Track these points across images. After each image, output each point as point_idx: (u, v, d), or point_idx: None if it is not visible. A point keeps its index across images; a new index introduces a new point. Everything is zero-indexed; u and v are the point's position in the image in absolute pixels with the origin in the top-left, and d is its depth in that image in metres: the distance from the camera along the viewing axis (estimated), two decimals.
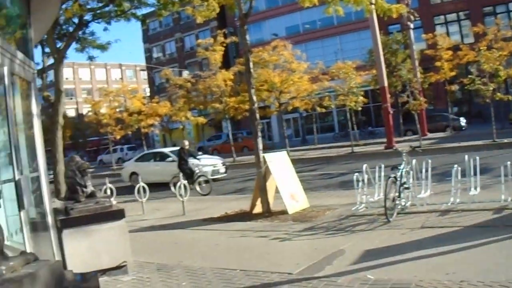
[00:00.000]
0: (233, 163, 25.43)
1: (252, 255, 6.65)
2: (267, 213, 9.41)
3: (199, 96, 32.02)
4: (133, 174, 19.47)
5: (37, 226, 5.62)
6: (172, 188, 14.39)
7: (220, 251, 7.20)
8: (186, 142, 16.20)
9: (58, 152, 10.80)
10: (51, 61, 15.00)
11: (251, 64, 9.97)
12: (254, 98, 9.93)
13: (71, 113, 62.69)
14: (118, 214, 6.63)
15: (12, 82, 4.77)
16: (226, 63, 32.75)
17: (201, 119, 31.52)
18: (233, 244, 7.55)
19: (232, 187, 16.56)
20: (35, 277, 2.48)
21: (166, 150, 21.08)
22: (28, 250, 4.41)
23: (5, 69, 4.44)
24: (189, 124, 39.82)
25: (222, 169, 19.62)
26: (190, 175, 15.03)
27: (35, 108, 5.62)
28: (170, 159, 18.77)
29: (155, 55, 59.08)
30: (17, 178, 4.39)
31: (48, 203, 5.66)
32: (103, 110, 35.84)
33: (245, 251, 6.98)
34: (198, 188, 15.19)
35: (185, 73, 42.24)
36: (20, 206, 4.37)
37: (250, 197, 10.48)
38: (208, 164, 18.64)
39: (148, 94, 53.02)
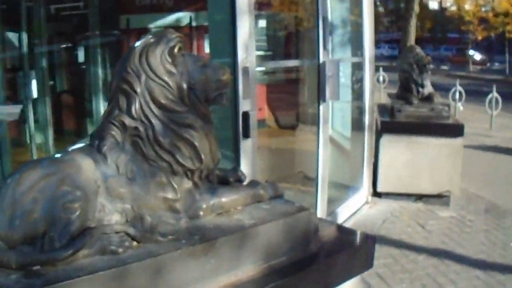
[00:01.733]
0: None
1: None
2: None
3: None
4: None
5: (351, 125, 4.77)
6: None
7: None
8: None
9: (410, 41, 9.78)
10: None
11: None
12: None
13: (434, 5, 60.33)
14: (455, 129, 5.16)
15: None
16: None
17: None
18: None
19: None
20: (248, 236, 1.36)
21: None
22: (321, 154, 3.53)
23: None
24: None
25: None
26: None
27: None
28: None
29: None
30: (321, 61, 3.40)
31: (369, 97, 4.64)
32: (467, 6, 32.68)
33: None
34: None
35: None
36: (320, 96, 3.43)
37: None
38: None
39: None
